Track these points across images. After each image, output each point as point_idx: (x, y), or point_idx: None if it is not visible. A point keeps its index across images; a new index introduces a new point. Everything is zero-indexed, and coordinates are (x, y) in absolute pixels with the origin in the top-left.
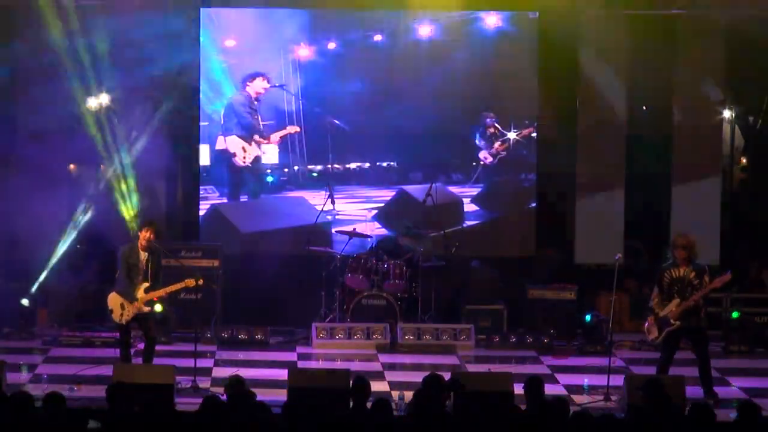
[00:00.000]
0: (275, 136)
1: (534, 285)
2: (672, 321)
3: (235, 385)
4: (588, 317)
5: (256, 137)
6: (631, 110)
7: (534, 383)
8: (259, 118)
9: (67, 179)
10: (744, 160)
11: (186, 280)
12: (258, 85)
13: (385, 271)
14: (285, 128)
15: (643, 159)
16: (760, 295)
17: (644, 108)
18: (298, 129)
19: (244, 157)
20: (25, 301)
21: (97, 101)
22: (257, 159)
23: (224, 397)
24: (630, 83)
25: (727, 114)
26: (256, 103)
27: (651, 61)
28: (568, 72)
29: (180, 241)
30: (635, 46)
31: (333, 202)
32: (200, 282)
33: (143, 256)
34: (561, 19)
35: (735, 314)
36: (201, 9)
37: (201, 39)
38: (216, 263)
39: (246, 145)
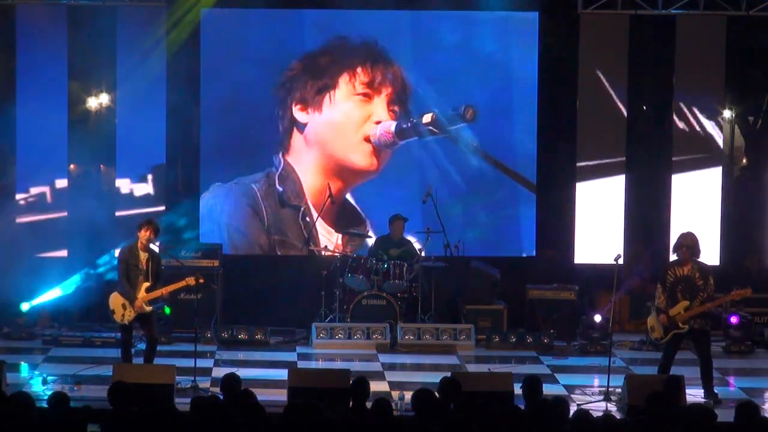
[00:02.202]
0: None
1: (534, 285)
2: (680, 324)
3: (230, 383)
4: (598, 318)
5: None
6: (631, 110)
7: (531, 382)
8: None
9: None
10: (744, 160)
11: (186, 279)
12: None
13: (385, 271)
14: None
15: (643, 159)
16: (761, 295)
17: (644, 108)
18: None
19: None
20: (25, 305)
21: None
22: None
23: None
24: (630, 83)
25: (727, 114)
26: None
27: (651, 61)
28: (568, 72)
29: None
30: (635, 46)
31: (333, 202)
32: (201, 280)
33: (143, 256)
34: (561, 19)
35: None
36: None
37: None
38: (216, 263)
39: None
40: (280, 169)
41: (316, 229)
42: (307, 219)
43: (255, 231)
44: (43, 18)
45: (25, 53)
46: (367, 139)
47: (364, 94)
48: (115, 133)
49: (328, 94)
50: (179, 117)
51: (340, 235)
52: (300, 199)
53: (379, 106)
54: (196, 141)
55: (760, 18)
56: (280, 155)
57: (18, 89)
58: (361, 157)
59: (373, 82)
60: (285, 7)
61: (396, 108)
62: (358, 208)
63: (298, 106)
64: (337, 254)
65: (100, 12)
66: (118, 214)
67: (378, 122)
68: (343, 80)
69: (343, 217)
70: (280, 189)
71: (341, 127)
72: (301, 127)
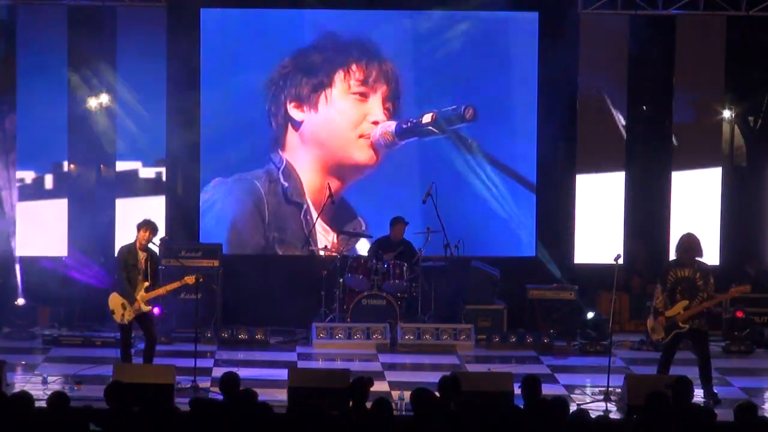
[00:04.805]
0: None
1: (534, 285)
2: (680, 324)
3: (229, 381)
4: (591, 314)
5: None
6: (631, 110)
7: (530, 382)
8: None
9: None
10: (744, 161)
11: (186, 278)
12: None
13: (385, 271)
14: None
15: (643, 159)
16: (761, 295)
17: (644, 108)
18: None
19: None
20: (20, 301)
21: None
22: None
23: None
24: (630, 83)
25: (727, 114)
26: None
27: (651, 61)
28: (568, 72)
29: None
30: (635, 46)
31: (333, 202)
32: (201, 279)
33: (141, 255)
34: (561, 19)
35: None
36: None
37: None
38: (216, 263)
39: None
40: (282, 166)
41: (314, 229)
42: (308, 217)
43: (255, 227)
44: (43, 18)
45: (25, 53)
46: (364, 137)
47: (360, 93)
48: (115, 132)
49: (323, 93)
50: (179, 114)
51: (335, 234)
52: (301, 197)
53: (375, 105)
54: (197, 138)
55: (760, 18)
56: (279, 152)
57: (18, 89)
58: (359, 153)
59: (368, 79)
60: (279, 7)
61: (390, 105)
62: (353, 207)
63: (293, 104)
64: (335, 254)
65: (100, 12)
66: (118, 215)
67: (375, 122)
68: (339, 77)
69: (338, 216)
70: (286, 185)
71: (338, 126)
72: (297, 124)
